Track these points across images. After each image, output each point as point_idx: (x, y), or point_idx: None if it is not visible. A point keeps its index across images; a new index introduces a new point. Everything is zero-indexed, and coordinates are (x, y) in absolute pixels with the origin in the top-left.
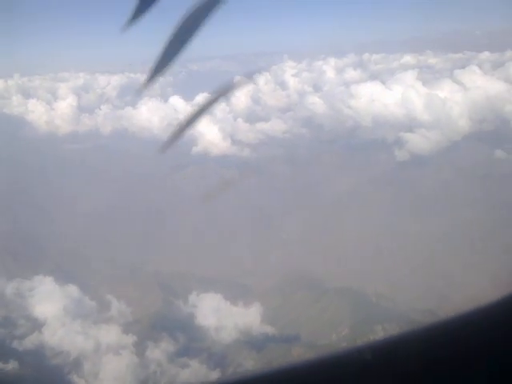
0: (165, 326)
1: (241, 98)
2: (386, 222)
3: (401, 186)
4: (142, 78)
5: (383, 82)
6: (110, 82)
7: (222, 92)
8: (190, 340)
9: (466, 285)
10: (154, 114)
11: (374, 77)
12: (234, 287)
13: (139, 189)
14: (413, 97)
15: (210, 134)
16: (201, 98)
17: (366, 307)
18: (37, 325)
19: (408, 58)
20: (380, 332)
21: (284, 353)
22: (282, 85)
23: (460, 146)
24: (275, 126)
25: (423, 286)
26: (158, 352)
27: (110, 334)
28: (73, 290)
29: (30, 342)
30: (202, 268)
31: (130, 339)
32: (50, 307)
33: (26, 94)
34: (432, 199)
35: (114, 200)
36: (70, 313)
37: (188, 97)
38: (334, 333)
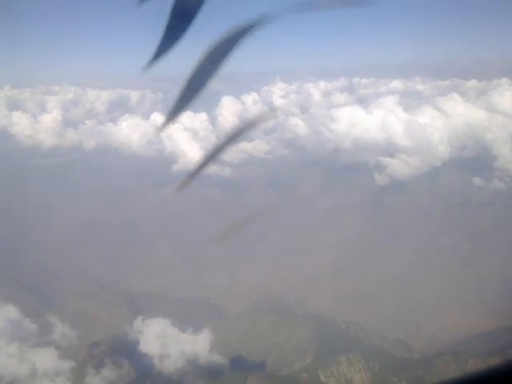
0: (112, 351)
1: (228, 117)
2: (363, 247)
3: (379, 210)
4: (132, 93)
5: (367, 107)
6: (99, 97)
7: (245, 127)
8: (134, 367)
9: (439, 313)
10: (135, 130)
11: (360, 101)
12: (207, 309)
13: (117, 205)
14: (393, 122)
15: (190, 151)
16: (184, 117)
17: (333, 334)
18: None
19: (396, 84)
20: (344, 363)
21: (239, 382)
22: (270, 106)
23: (439, 172)
24: (258, 147)
25: (396, 313)
26: (97, 380)
27: (46, 359)
28: (11, 311)
29: None
30: (176, 289)
31: (67, 365)
32: None
33: (14, 107)
34: (409, 225)
35: (91, 216)
36: (7, 335)
37: None
38: (297, 361)
